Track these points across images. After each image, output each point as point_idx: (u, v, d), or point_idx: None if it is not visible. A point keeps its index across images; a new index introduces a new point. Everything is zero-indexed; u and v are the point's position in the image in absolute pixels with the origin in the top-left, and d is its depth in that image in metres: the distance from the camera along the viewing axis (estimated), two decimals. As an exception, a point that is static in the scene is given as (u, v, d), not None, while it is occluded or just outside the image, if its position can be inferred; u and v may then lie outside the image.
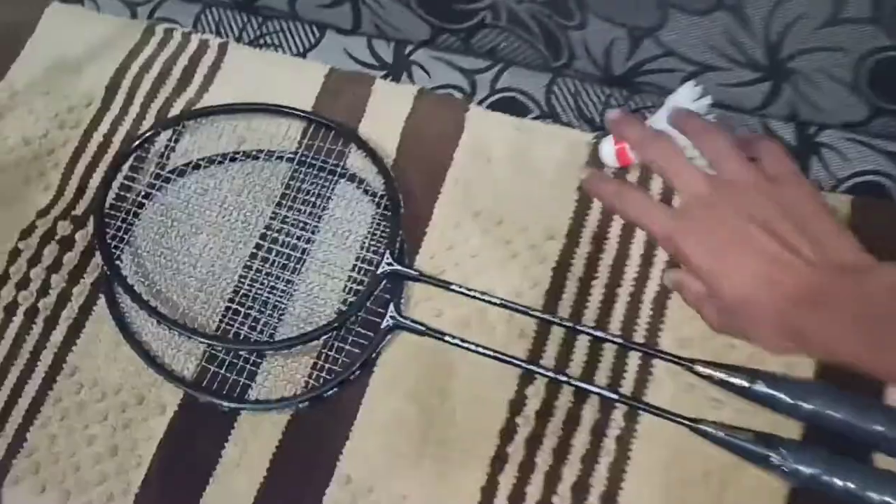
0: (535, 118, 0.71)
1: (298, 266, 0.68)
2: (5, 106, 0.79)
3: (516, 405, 0.62)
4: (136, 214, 0.72)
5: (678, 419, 0.56)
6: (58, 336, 0.69)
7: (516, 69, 0.75)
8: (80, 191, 0.75)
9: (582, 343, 0.62)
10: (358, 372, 0.64)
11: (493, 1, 0.68)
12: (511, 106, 0.72)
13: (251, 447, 0.63)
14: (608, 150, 0.67)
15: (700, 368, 0.55)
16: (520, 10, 0.68)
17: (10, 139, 0.77)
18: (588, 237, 0.65)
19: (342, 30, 0.78)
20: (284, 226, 0.70)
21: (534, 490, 0.59)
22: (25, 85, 0.80)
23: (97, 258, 0.71)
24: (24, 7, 0.83)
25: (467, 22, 0.72)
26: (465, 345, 0.62)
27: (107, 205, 0.72)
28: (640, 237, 0.65)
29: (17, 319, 0.71)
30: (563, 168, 0.68)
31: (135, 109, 0.78)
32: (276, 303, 0.67)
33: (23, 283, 0.72)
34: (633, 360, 0.61)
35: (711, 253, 0.41)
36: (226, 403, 0.64)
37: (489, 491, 0.59)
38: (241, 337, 0.66)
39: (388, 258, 0.65)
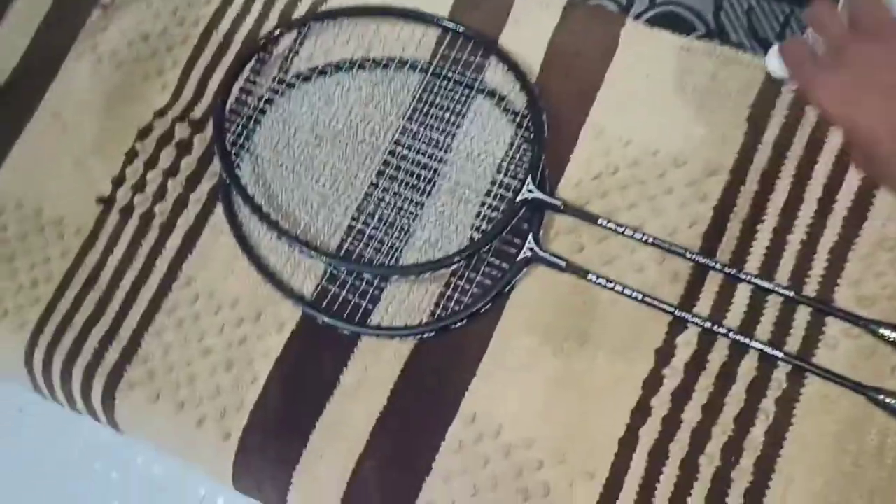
0: (701, 37, 0.63)
1: (429, 187, 0.63)
2: (124, 2, 0.75)
3: (664, 355, 0.56)
4: (256, 121, 0.68)
5: (854, 386, 0.50)
6: (174, 243, 0.66)
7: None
8: (199, 92, 0.70)
9: (742, 292, 0.56)
10: (489, 305, 0.59)
11: None
12: (673, 22, 0.65)
13: (371, 374, 0.60)
14: (775, 61, 0.59)
15: (886, 332, 0.49)
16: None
17: (129, 34, 0.74)
18: (756, 175, 0.58)
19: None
20: (415, 142, 0.65)
21: (678, 448, 0.54)
22: (145, -23, 0.75)
23: (215, 165, 0.67)
24: None
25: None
26: (610, 285, 0.57)
27: (227, 109, 0.67)
28: (817, 178, 0.57)
29: (133, 223, 0.68)
30: (730, 96, 0.61)
31: (257, 8, 0.73)
32: (404, 224, 0.62)
33: (139, 186, 0.68)
34: (802, 315, 0.55)
35: (846, 102, 0.40)
36: (347, 327, 0.60)
37: (628, 444, 0.55)
38: (366, 259, 0.62)
39: (529, 184, 0.60)
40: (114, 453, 1.06)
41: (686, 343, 0.56)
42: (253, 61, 0.69)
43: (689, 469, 0.54)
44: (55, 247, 0.69)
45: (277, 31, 0.69)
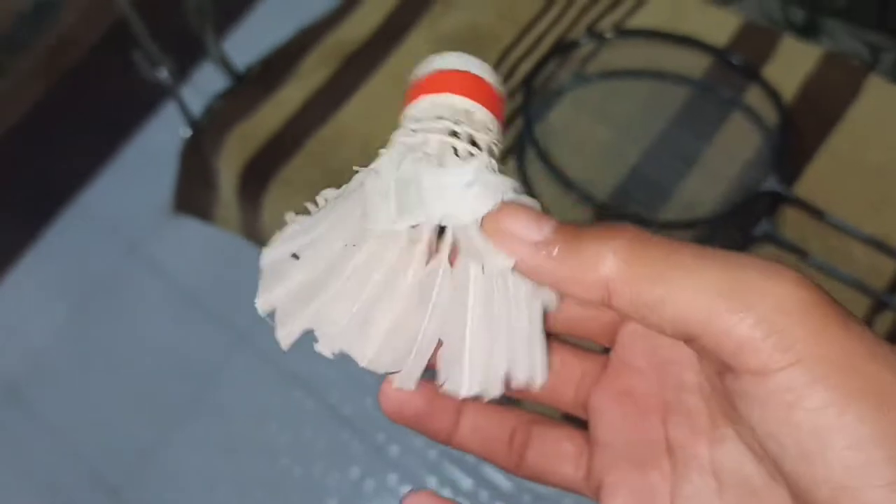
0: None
1: (686, 169, 0.79)
2: (462, 0, 0.97)
3: (863, 325, 0.69)
4: (553, 99, 0.86)
5: None
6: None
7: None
8: (510, 73, 0.90)
9: (939, 290, 0.69)
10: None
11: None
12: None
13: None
14: None
15: None
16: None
17: (462, 22, 0.95)
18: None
19: (765, -12, 0.88)
20: (679, 134, 0.81)
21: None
22: (482, -17, 0.97)
23: (516, 127, 0.86)
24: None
25: (890, -1, 0.80)
26: (827, 267, 0.71)
27: (533, 87, 0.86)
28: None
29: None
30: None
31: (566, 20, 0.92)
32: (661, 192, 0.79)
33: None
34: None
35: None
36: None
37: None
38: (629, 211, 0.78)
39: (771, 178, 0.75)
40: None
41: (883, 321, 0.69)
42: (558, 57, 0.88)
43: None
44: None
45: (582, 39, 0.88)
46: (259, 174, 0.92)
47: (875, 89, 0.80)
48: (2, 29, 1.46)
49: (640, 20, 0.90)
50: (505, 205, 0.29)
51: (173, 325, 1.35)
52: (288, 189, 0.90)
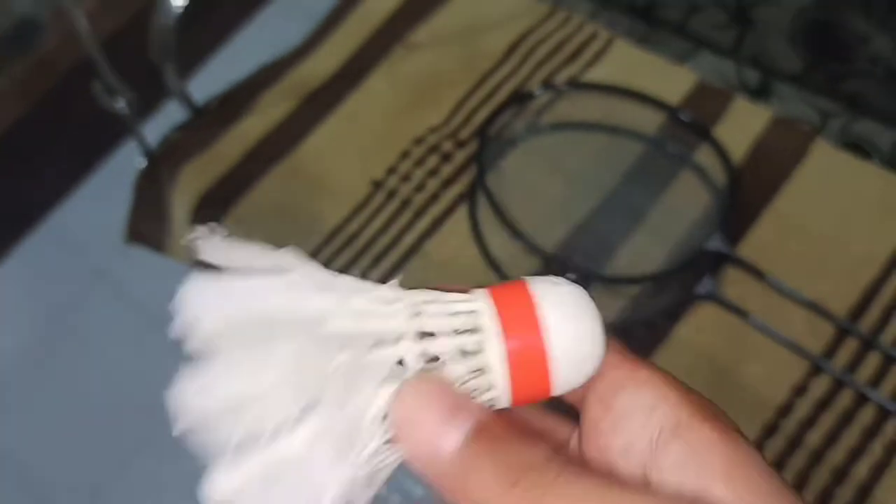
0: (880, 163, 0.79)
1: (634, 224, 0.80)
2: (424, 44, 0.97)
3: (798, 390, 0.69)
4: (507, 147, 0.87)
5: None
6: (422, 225, 0.85)
7: (868, 120, 0.83)
8: (466, 120, 0.91)
9: (875, 358, 0.69)
10: (664, 322, 0.74)
11: (875, 53, 0.77)
12: (855, 150, 0.80)
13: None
14: None
15: None
16: None
17: (423, 67, 0.95)
18: (903, 272, 0.72)
19: (719, 50, 0.90)
20: (632, 189, 0.82)
21: (794, 462, 0.67)
22: (445, 30, 0.97)
23: (469, 173, 0.86)
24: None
25: (841, 65, 0.81)
26: (765, 328, 0.71)
27: (487, 136, 0.87)
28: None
29: (393, 204, 0.87)
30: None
31: (524, 71, 0.93)
32: (608, 246, 0.79)
33: (405, 177, 0.88)
34: (920, 383, 0.68)
35: None
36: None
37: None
38: (573, 263, 0.78)
39: (715, 238, 0.76)
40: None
41: (818, 385, 0.69)
42: (514, 107, 0.89)
43: (800, 480, 0.66)
44: (329, 208, 0.89)
45: (538, 90, 0.89)
46: (212, 209, 0.92)
47: (821, 154, 0.81)
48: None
49: (597, 74, 0.91)
50: (418, 382, 0.24)
51: (135, 353, 1.33)
52: (240, 226, 0.90)
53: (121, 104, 0.91)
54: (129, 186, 1.11)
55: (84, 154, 1.53)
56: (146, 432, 1.27)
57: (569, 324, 0.25)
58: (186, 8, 0.88)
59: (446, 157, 0.88)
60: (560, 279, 0.26)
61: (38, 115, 1.48)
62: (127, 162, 1.49)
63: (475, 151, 0.86)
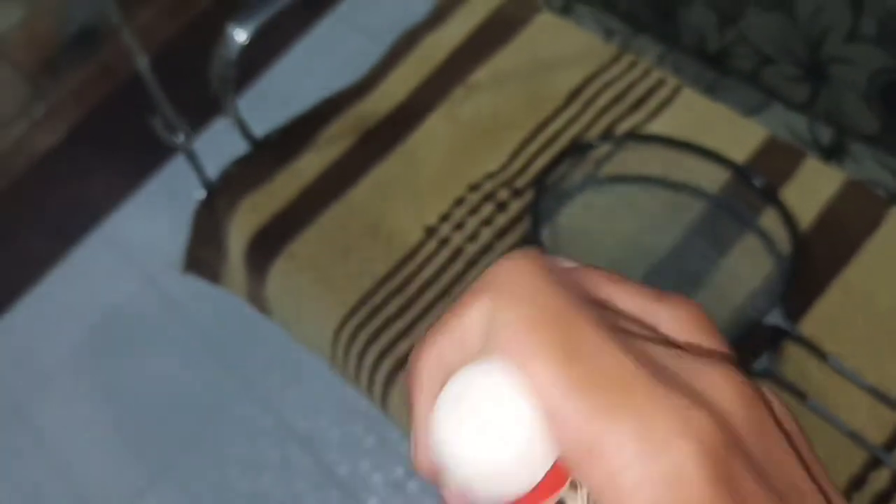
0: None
1: (690, 290, 0.77)
2: (485, 84, 0.95)
3: (857, 481, 0.66)
4: (564, 200, 0.85)
5: None
6: (473, 275, 0.84)
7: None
8: (524, 168, 0.89)
9: (940, 453, 0.66)
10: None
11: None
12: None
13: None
14: None
15: None
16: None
17: (484, 108, 0.93)
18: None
19: (792, 104, 0.85)
20: (688, 253, 0.79)
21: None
22: (507, 71, 0.95)
23: (524, 224, 0.84)
24: (524, 7, 0.99)
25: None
26: (824, 413, 0.68)
27: (545, 186, 0.85)
28: None
29: (446, 252, 0.86)
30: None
31: (587, 117, 0.90)
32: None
33: (458, 226, 0.87)
34: None
35: None
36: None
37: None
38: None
39: (775, 313, 0.72)
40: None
41: (878, 479, 0.66)
42: (573, 156, 0.87)
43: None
44: (382, 253, 0.88)
45: (599, 140, 0.87)
46: (267, 245, 0.92)
47: (895, 222, 0.76)
48: (49, 52, 1.49)
49: (662, 123, 0.88)
50: None
51: (181, 364, 1.35)
52: (292, 264, 0.90)
53: (180, 138, 0.92)
54: (182, 197, 1.13)
55: (138, 163, 1.55)
56: (190, 436, 1.29)
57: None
58: (248, 42, 0.89)
59: (501, 207, 0.87)
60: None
61: (95, 122, 1.51)
62: (181, 172, 1.51)
63: (531, 202, 0.84)
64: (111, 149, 1.52)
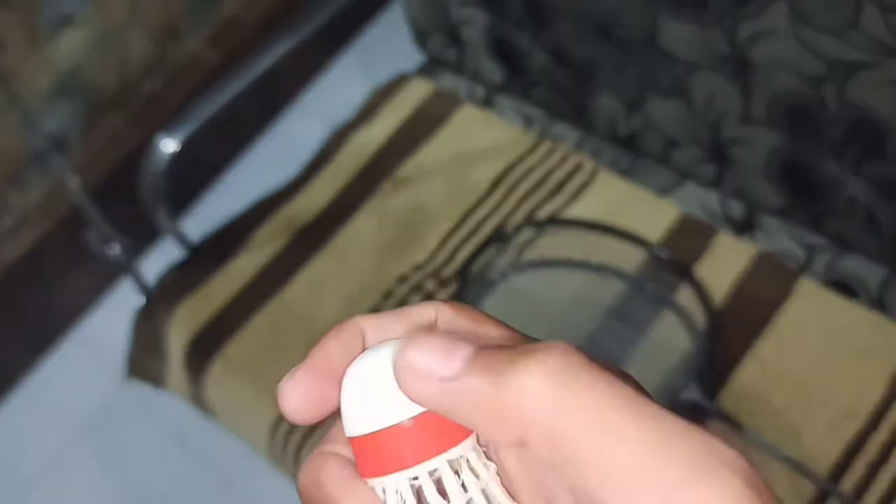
0: (864, 304, 0.76)
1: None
2: (412, 178, 0.98)
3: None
4: (488, 288, 0.87)
5: None
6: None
7: (855, 256, 0.81)
8: (450, 258, 0.91)
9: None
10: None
11: (852, 196, 0.75)
12: (841, 288, 0.78)
13: None
14: None
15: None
16: (878, 214, 0.74)
17: (410, 203, 0.96)
18: (888, 425, 0.69)
19: (703, 182, 0.88)
20: (608, 335, 0.81)
21: None
22: (433, 164, 0.98)
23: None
24: (448, 102, 1.03)
25: (821, 205, 0.79)
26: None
27: (470, 274, 0.87)
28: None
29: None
30: (881, 358, 0.73)
31: (509, 204, 0.93)
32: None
33: (388, 319, 0.88)
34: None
35: None
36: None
37: None
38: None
39: (692, 388, 0.74)
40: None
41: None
42: (496, 244, 0.89)
43: None
44: (315, 349, 0.89)
45: (521, 227, 0.89)
46: (204, 349, 0.93)
47: (806, 293, 0.79)
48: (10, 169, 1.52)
49: (581, 207, 0.90)
50: (414, 336, 0.24)
51: (159, 465, 1.34)
52: (227, 367, 0.91)
53: (115, 250, 0.94)
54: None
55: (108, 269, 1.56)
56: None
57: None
58: (178, 153, 0.91)
59: (429, 298, 0.88)
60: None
61: (63, 231, 1.53)
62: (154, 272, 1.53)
63: (455, 291, 0.86)
64: (81, 254, 1.53)
